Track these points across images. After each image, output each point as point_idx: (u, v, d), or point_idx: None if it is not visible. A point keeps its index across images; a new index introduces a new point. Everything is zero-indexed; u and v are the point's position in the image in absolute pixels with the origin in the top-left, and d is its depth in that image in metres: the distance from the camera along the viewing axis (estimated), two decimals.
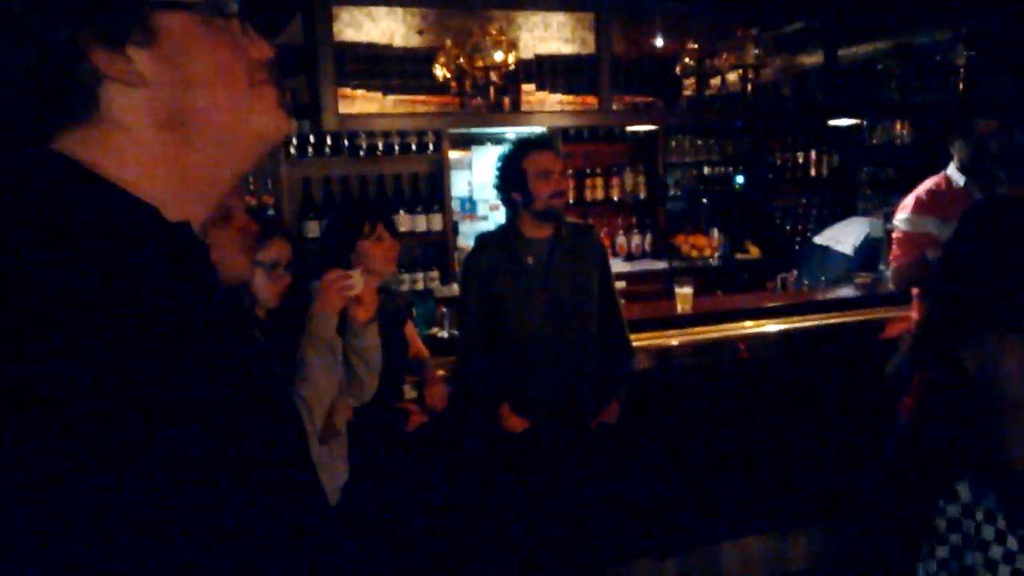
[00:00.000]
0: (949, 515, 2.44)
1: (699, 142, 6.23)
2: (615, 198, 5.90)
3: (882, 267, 4.68)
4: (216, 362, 0.66)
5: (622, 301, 3.35)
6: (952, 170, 3.51)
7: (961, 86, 4.75)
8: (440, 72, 4.19)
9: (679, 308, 3.97)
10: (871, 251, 4.88)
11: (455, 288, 4.11)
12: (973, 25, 4.93)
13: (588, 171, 5.86)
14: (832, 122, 5.39)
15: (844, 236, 5.05)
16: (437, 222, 4.55)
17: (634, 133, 5.92)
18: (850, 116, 5.21)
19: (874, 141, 6.65)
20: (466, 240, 4.92)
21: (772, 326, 3.96)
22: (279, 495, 0.67)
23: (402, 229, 4.32)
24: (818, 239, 5.27)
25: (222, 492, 0.61)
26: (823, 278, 4.70)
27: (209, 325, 0.68)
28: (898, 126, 6.85)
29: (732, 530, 3.65)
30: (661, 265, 5.82)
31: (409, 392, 2.95)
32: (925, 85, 5.23)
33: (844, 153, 6.40)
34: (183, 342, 0.63)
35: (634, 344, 3.35)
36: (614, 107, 4.36)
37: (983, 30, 5.00)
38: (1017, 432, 2.10)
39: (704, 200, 6.41)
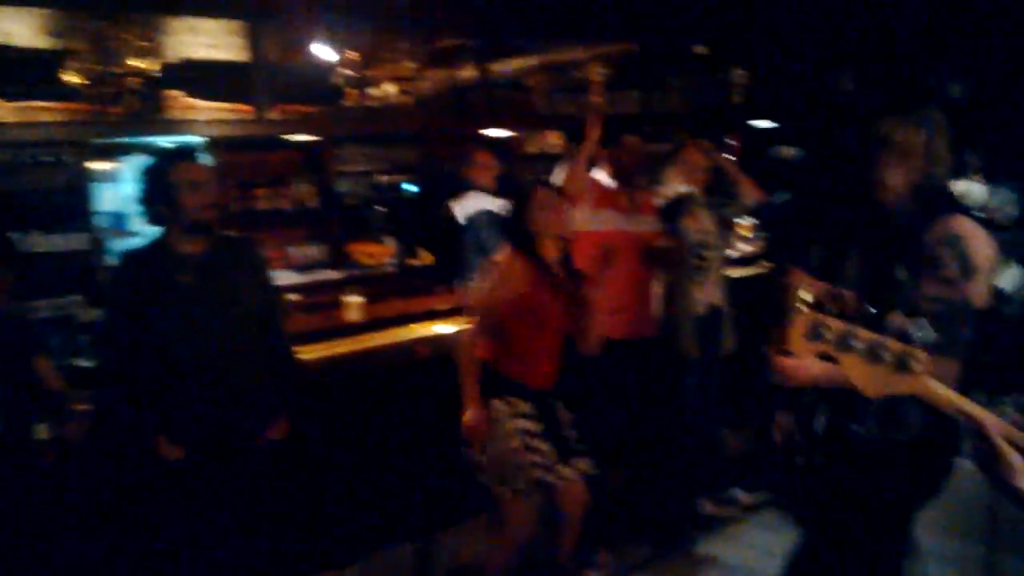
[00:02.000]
0: None
1: (368, 151, 6.29)
2: (285, 208, 5.77)
3: None
4: None
5: (294, 313, 3.28)
6: (601, 174, 3.89)
7: (598, 100, 5.26)
8: (73, 77, 3.82)
9: (349, 317, 3.98)
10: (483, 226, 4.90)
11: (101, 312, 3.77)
12: (607, 45, 5.49)
13: (255, 181, 5.66)
14: (488, 132, 5.71)
15: (459, 209, 5.12)
16: (79, 241, 4.13)
17: (302, 142, 5.82)
18: (504, 127, 5.55)
19: (529, 150, 7.15)
20: (116, 258, 4.53)
21: (442, 328, 4.11)
22: None
23: (38, 251, 3.89)
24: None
25: None
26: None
27: None
28: (549, 136, 7.42)
29: (412, 532, 3.73)
30: (336, 275, 5.80)
31: (42, 431, 2.65)
32: (568, 98, 5.74)
33: (505, 161, 6.79)
34: None
35: (303, 356, 3.29)
36: (272, 116, 4.26)
37: (616, 50, 5.59)
38: None
39: (377, 208, 6.48)
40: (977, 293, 1.91)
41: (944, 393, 1.41)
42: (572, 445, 3.07)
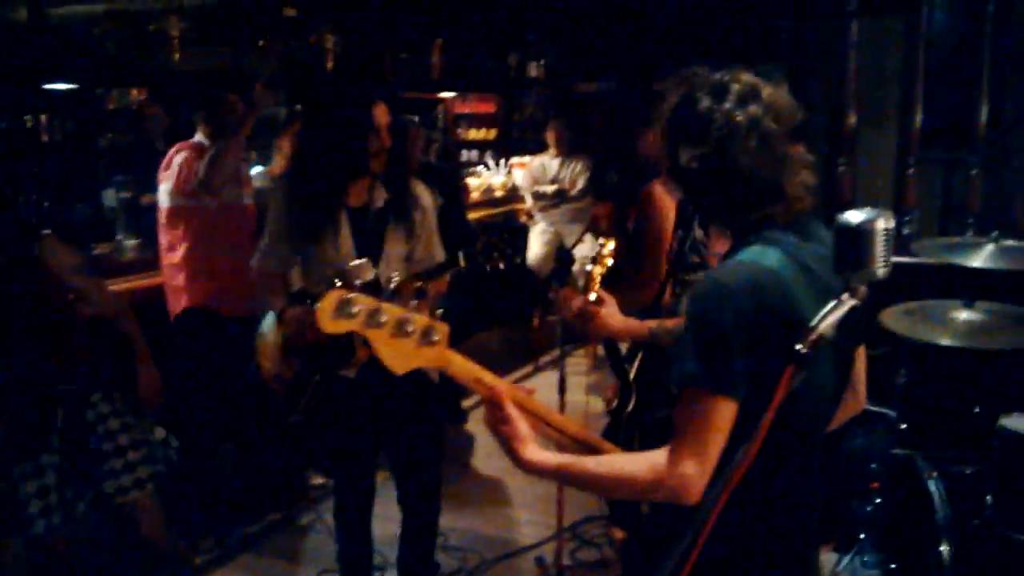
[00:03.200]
0: None
1: None
2: None
3: (120, 237, 4.51)
4: None
5: None
6: (200, 137, 3.60)
7: (177, 56, 4.88)
8: None
9: None
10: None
11: None
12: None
13: None
14: (49, 85, 5.05)
15: None
16: None
17: None
18: (68, 80, 4.95)
19: (111, 107, 6.47)
20: None
21: None
22: None
23: None
24: None
25: None
26: None
27: None
28: (134, 92, 6.80)
29: None
30: None
31: None
32: (147, 53, 5.26)
33: (79, 119, 6.06)
34: None
35: None
36: None
37: (194, 4, 5.22)
38: None
39: None
40: None
41: (462, 363, 1.48)
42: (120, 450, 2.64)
